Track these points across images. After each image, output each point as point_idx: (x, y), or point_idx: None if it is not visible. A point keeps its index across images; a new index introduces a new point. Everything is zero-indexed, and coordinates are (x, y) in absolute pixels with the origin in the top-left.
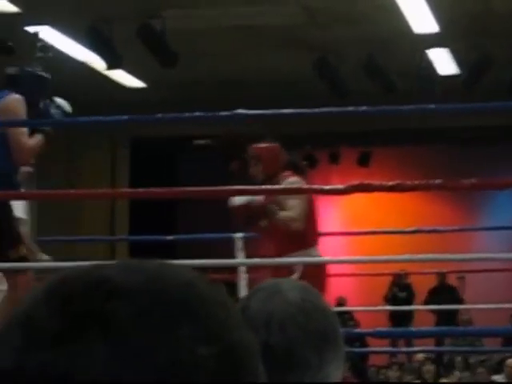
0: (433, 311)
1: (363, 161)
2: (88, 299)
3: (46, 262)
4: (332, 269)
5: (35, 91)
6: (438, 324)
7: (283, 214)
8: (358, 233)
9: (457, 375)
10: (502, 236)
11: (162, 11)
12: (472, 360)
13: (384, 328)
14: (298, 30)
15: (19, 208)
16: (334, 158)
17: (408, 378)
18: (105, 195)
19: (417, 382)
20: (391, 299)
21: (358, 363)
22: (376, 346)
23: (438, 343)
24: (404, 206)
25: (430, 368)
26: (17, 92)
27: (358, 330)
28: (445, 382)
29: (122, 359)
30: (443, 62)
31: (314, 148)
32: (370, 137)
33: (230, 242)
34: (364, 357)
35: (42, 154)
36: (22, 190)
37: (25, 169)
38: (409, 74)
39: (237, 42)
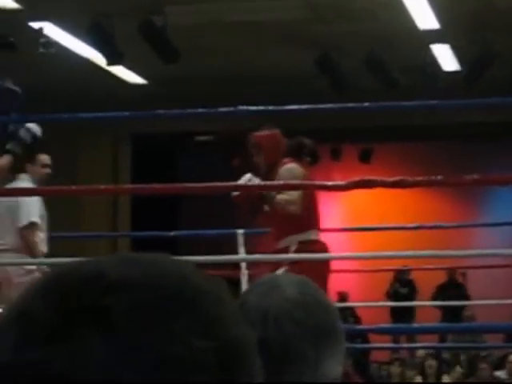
0: (439, 307)
1: (365, 157)
2: (83, 295)
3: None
4: (333, 265)
5: (3, 104)
6: (443, 320)
7: (280, 196)
8: (359, 229)
9: (459, 371)
10: (504, 232)
11: (163, 7)
12: (474, 356)
13: (386, 324)
14: (300, 26)
15: (33, 212)
16: (336, 155)
17: (410, 373)
18: (106, 191)
19: (417, 382)
20: (393, 295)
21: (360, 359)
22: (378, 341)
23: (442, 339)
24: (405, 203)
25: (432, 363)
26: None
27: (359, 326)
28: (446, 382)
29: (118, 355)
30: (445, 57)
31: (316, 144)
32: (372, 133)
33: (232, 239)
34: (366, 353)
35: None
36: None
37: (43, 170)
38: (411, 69)
39: (238, 37)
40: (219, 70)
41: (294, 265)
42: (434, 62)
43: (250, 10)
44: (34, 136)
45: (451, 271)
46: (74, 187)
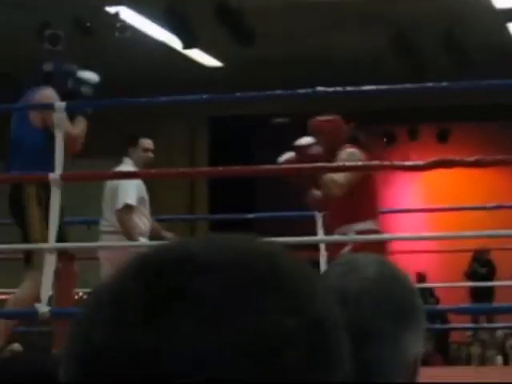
0: None
1: (442, 137)
2: (175, 275)
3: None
4: (412, 245)
5: (67, 87)
6: None
7: (329, 175)
8: (438, 209)
9: None
10: None
11: None
12: None
13: (465, 304)
14: (376, 6)
15: (129, 195)
16: (413, 135)
17: (490, 353)
18: (184, 174)
19: None
20: (472, 275)
21: (441, 340)
22: (457, 322)
23: None
24: (482, 182)
25: None
26: (52, 87)
27: (439, 307)
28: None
29: (210, 334)
30: None
31: (393, 125)
32: (449, 113)
33: (309, 220)
34: (445, 333)
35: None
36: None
37: (145, 154)
38: (487, 48)
39: (314, 18)
40: (295, 52)
41: (355, 249)
42: (510, 41)
43: None
44: (92, 85)
45: None
46: (152, 171)
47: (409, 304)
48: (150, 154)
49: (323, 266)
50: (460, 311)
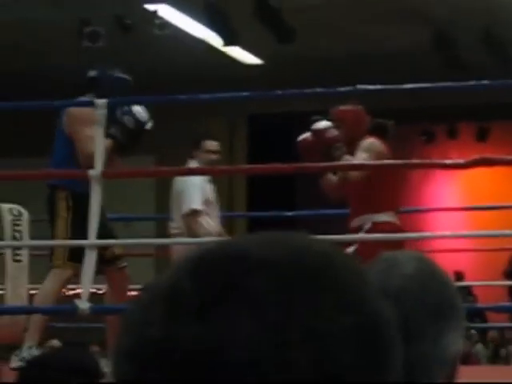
0: None
1: (481, 135)
2: (230, 273)
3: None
4: (449, 243)
5: (115, 93)
6: None
7: (347, 157)
8: (476, 208)
9: None
10: None
11: None
12: None
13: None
14: (415, 2)
15: (194, 199)
16: (452, 133)
17: None
18: (224, 172)
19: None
20: (510, 274)
21: (479, 338)
22: (495, 321)
23: None
24: None
25: None
26: (97, 95)
27: (479, 305)
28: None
29: (265, 331)
30: None
31: (432, 123)
32: (489, 111)
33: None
34: (484, 332)
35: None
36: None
37: (208, 156)
38: None
39: (353, 15)
40: (335, 49)
41: (363, 244)
42: None
43: None
44: (137, 121)
45: None
46: (191, 168)
47: (448, 301)
48: (213, 156)
49: None
50: (499, 309)
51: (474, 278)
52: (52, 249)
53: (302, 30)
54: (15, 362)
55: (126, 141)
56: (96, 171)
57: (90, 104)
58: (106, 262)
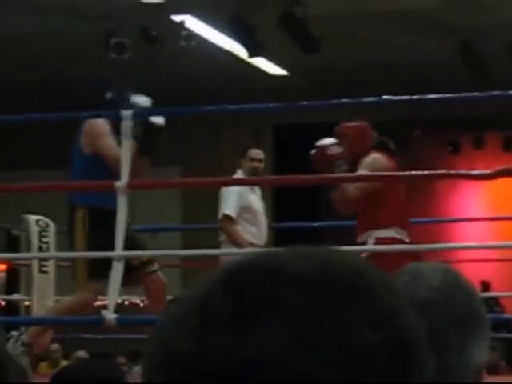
0: None
1: (507, 145)
2: (261, 286)
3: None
4: (476, 254)
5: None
6: None
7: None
8: (502, 218)
9: None
10: None
11: None
12: None
13: None
14: (442, 13)
15: (228, 205)
16: (479, 143)
17: None
18: (248, 182)
19: None
20: None
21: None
22: None
23: None
24: None
25: None
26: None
27: (505, 316)
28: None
29: (297, 345)
30: None
31: (458, 133)
32: None
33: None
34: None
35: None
36: None
37: (252, 164)
38: None
39: (379, 26)
40: (360, 60)
41: (372, 259)
42: None
43: None
44: (146, 129)
45: None
46: (217, 179)
47: (473, 312)
48: (257, 164)
49: None
50: None
51: (500, 289)
52: (74, 268)
53: (328, 41)
54: None
55: (147, 140)
56: (122, 182)
57: (116, 116)
58: (136, 270)
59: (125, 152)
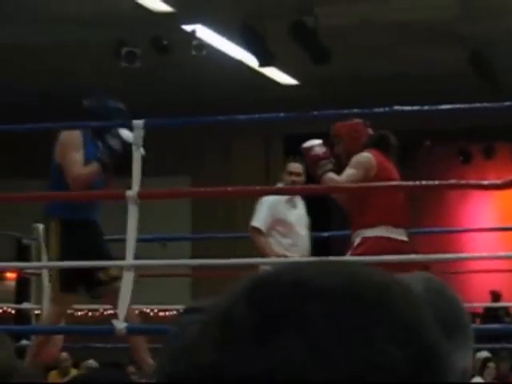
0: None
1: None
2: (285, 300)
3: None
4: (486, 264)
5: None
6: None
7: (330, 174)
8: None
9: None
10: None
11: (313, 8)
12: None
13: None
14: (452, 24)
15: (257, 217)
16: (489, 153)
17: None
18: (260, 192)
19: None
20: None
21: None
22: None
23: None
24: None
25: None
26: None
27: None
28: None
29: (319, 360)
30: None
31: (469, 143)
32: None
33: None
34: None
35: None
36: None
37: (290, 178)
38: None
39: (390, 36)
40: (371, 70)
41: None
42: None
43: (401, 9)
44: (124, 144)
45: None
46: (229, 189)
47: (457, 320)
48: (295, 177)
49: None
50: None
51: (511, 299)
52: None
53: (338, 51)
54: None
55: (113, 163)
56: (132, 192)
57: (125, 125)
58: (103, 284)
59: (136, 163)
